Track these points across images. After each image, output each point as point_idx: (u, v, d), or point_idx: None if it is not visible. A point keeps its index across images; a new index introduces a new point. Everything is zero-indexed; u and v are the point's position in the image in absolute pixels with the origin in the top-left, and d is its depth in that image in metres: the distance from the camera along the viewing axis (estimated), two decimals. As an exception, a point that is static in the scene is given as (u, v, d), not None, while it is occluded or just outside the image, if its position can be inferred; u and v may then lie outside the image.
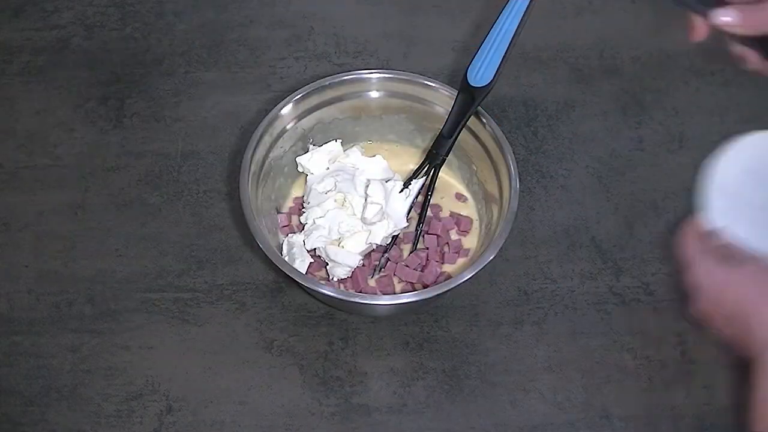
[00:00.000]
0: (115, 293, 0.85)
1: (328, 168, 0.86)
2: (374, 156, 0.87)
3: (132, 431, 0.78)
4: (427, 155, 0.85)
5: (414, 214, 0.86)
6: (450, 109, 0.83)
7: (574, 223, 0.90)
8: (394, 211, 0.83)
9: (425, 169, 0.85)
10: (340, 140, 0.88)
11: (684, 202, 0.91)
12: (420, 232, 0.84)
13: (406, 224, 0.84)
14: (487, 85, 0.80)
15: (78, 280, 0.86)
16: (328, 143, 0.87)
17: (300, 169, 0.87)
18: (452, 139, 0.83)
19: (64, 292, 0.85)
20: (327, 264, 0.83)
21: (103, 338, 0.83)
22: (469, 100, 0.81)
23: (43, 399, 0.80)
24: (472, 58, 0.81)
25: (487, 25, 0.79)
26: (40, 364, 0.82)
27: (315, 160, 0.86)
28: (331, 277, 0.83)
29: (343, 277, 0.82)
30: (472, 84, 0.81)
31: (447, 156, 0.84)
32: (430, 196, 0.84)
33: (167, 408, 0.80)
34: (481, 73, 0.81)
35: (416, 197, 0.85)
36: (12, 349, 0.82)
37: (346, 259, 0.81)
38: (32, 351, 0.82)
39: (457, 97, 0.82)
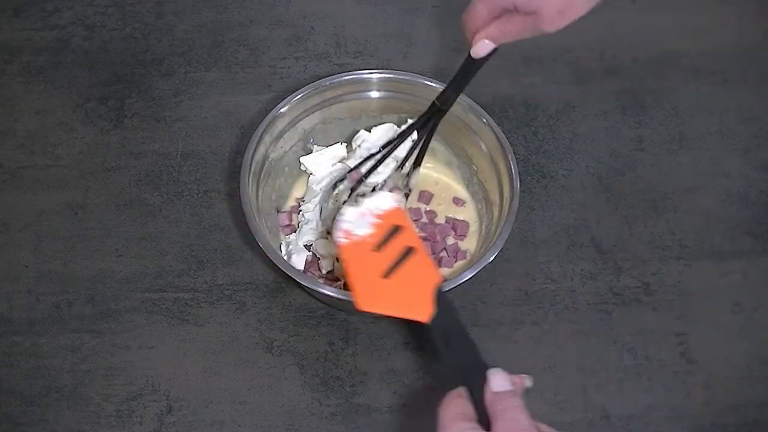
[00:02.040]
0: (115, 293, 0.85)
1: (330, 170, 0.87)
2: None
3: (132, 431, 0.78)
4: (430, 107, 0.79)
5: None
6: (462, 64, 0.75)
7: (574, 223, 0.90)
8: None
9: (425, 119, 0.80)
10: (345, 144, 0.88)
11: (684, 202, 0.92)
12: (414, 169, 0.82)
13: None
14: None
15: (78, 280, 0.86)
16: (333, 146, 0.87)
17: (303, 168, 0.87)
18: (457, 93, 0.77)
19: (64, 292, 0.85)
20: (319, 259, 0.83)
21: (103, 338, 0.83)
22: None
23: (43, 399, 0.80)
24: None
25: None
26: (40, 364, 0.82)
27: (318, 162, 0.86)
28: (322, 271, 0.83)
29: (330, 269, 0.82)
30: None
31: (449, 108, 0.78)
32: (424, 149, 0.81)
33: (167, 408, 0.80)
34: None
35: (412, 145, 0.81)
36: (12, 349, 0.82)
37: (327, 248, 0.81)
38: (32, 351, 0.82)
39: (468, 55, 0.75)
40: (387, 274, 0.65)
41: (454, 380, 0.57)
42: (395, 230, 0.69)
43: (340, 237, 0.69)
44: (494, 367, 0.56)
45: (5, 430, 0.79)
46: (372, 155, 0.81)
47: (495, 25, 0.66)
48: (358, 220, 0.70)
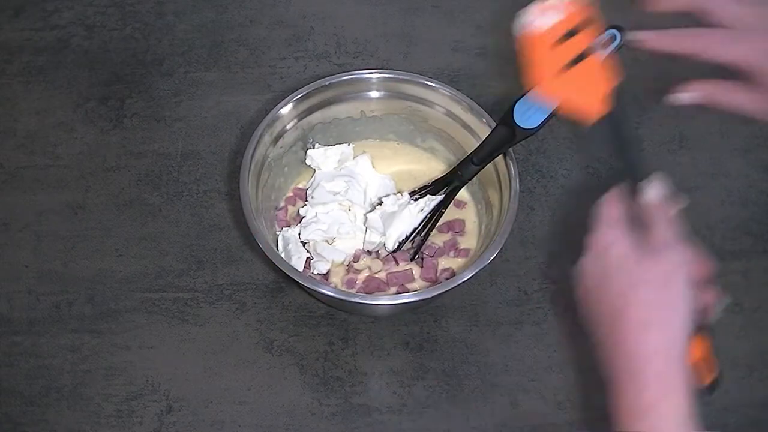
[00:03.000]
0: (115, 293, 0.85)
1: (336, 168, 0.87)
2: (383, 175, 0.88)
3: (132, 431, 0.78)
4: (449, 174, 0.84)
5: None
6: (486, 137, 0.80)
7: (574, 223, 0.89)
8: (401, 223, 0.82)
9: (444, 189, 0.83)
10: (352, 144, 0.88)
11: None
12: (419, 253, 0.83)
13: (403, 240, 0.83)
14: (531, 128, 0.77)
15: (78, 280, 0.86)
16: (341, 145, 0.88)
17: (309, 162, 0.87)
18: (479, 168, 0.81)
19: (64, 292, 0.85)
20: (311, 258, 0.83)
21: (103, 338, 0.83)
22: (508, 136, 0.77)
23: (43, 399, 0.80)
24: (522, 95, 0.77)
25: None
26: (40, 364, 0.82)
27: (325, 158, 0.86)
28: (312, 271, 0.82)
29: (323, 272, 0.82)
30: (518, 123, 0.77)
31: (469, 181, 0.83)
32: (439, 216, 0.83)
33: (167, 408, 0.80)
34: (528, 115, 0.77)
35: (429, 214, 0.83)
36: (12, 349, 0.82)
37: (331, 254, 0.81)
38: (32, 351, 0.82)
39: (496, 126, 0.79)
40: (567, 67, 0.67)
41: (619, 178, 0.64)
42: (575, 30, 0.69)
43: (526, 26, 0.67)
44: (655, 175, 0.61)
45: (5, 430, 0.79)
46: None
47: (717, 86, 0.62)
48: (542, 16, 0.68)
